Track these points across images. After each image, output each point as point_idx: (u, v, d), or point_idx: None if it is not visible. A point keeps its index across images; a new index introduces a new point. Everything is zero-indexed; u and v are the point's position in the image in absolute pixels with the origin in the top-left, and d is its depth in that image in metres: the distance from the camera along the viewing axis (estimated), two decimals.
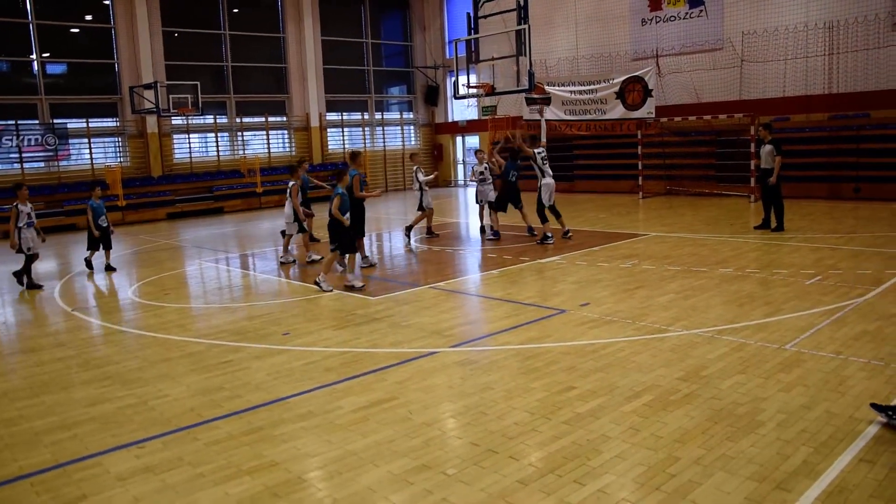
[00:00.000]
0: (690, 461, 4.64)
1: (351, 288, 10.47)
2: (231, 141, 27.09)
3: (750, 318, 8.01)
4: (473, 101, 28.48)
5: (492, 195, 15.32)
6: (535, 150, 14.05)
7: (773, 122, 19.54)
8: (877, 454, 4.65)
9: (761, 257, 11.56)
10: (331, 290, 10.48)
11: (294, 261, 13.44)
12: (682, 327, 7.76)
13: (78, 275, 13.22)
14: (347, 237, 10.48)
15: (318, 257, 13.07)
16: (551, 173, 14.19)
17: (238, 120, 27.01)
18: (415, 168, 15.27)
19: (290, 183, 13.35)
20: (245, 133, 27.33)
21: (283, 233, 13.88)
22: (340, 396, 6.13)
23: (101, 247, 13.30)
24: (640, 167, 22.57)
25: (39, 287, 12.09)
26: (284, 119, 28.37)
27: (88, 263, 13.34)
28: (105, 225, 13.23)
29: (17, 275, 12.32)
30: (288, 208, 13.28)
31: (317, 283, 10.61)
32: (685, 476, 4.45)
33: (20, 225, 11.99)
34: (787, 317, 7.97)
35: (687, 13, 22.90)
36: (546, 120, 25.05)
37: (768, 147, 13.95)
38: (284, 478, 4.70)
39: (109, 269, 13.30)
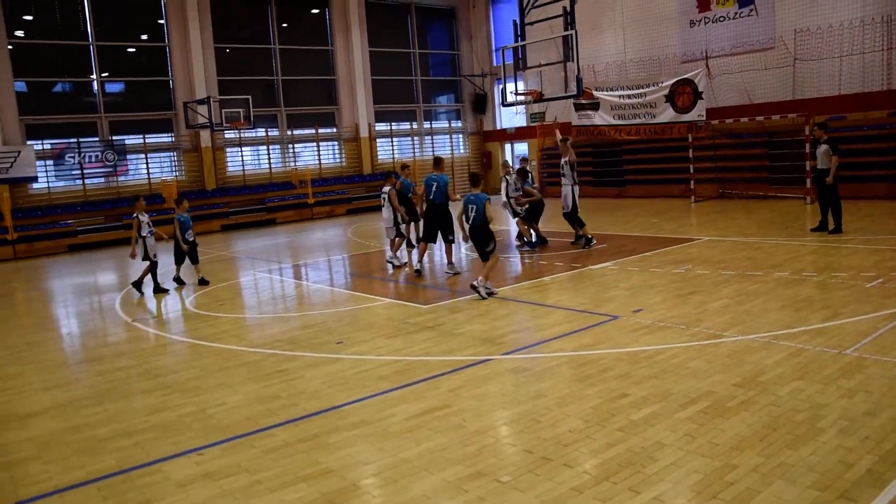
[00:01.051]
0: (748, 469, 4.56)
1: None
2: (282, 153, 27.54)
3: (808, 322, 7.84)
4: (522, 108, 28.46)
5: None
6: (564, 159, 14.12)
7: (828, 121, 19.13)
8: None
9: (818, 260, 11.30)
10: (492, 294, 10.38)
11: (403, 264, 13.71)
12: (737, 333, 7.64)
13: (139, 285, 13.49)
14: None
15: (399, 262, 13.62)
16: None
17: (289, 132, 27.43)
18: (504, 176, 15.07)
19: (386, 188, 13.89)
20: (296, 145, 27.74)
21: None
22: (394, 404, 6.18)
23: (189, 260, 13.14)
24: (691, 170, 22.25)
25: (166, 291, 12.64)
26: (334, 130, 28.72)
27: (178, 280, 13.21)
28: (192, 239, 13.04)
29: (136, 284, 12.89)
30: (386, 213, 13.82)
31: (473, 287, 10.31)
32: (743, 484, 4.38)
33: (144, 234, 12.53)
34: (846, 321, 7.78)
35: (737, 13, 22.53)
36: (595, 126, 24.99)
37: (824, 147, 13.64)
38: (339, 485, 4.76)
39: (203, 282, 13.14)
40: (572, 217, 14.36)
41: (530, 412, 5.79)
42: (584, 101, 24.35)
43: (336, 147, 28.93)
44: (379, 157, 29.69)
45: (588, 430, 5.34)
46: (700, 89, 22.15)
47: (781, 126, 20.96)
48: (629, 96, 23.94)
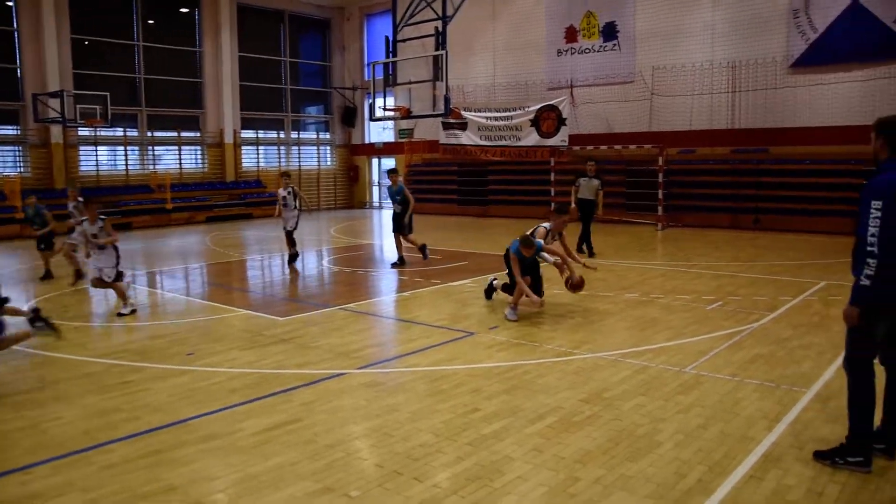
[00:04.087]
0: (591, 481, 4.73)
1: None
2: (141, 155, 26.35)
3: (652, 341, 8.24)
4: (390, 123, 28.59)
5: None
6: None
7: (679, 153, 20.32)
8: (765, 471, 4.85)
9: (665, 283, 11.93)
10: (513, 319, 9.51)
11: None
12: (587, 350, 7.92)
13: None
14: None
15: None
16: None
17: (149, 134, 26.32)
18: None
19: (283, 191, 14.52)
20: (156, 147, 26.64)
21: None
22: (244, 418, 6.00)
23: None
24: (552, 193, 23.06)
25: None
26: (198, 134, 27.80)
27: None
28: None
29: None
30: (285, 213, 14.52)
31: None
32: (585, 496, 4.53)
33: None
34: (687, 341, 8.24)
35: (601, 46, 23.61)
36: (462, 145, 25.41)
37: (596, 181, 15.36)
38: (182, 502, 4.56)
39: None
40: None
41: (382, 426, 5.77)
42: (451, 121, 24.74)
43: (199, 152, 28.00)
44: (243, 164, 28.97)
45: (439, 444, 5.37)
46: (564, 116, 23.03)
47: (637, 156, 22.09)
48: (496, 118, 24.56)
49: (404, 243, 14.35)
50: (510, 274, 9.75)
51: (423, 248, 14.03)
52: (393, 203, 14.34)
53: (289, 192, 14.48)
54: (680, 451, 5.18)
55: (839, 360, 5.02)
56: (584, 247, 15.13)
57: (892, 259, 4.54)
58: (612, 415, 5.92)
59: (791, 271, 12.97)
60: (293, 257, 14.56)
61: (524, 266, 9.48)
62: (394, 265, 14.12)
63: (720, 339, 8.28)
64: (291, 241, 14.61)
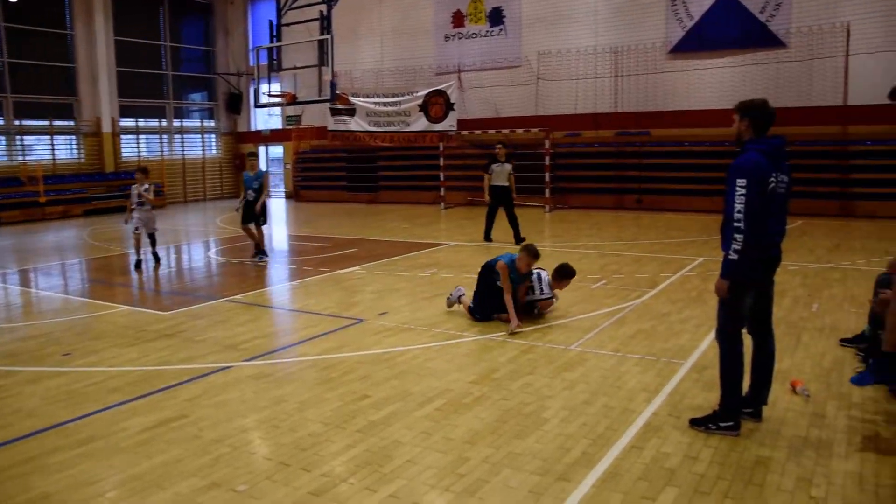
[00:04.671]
0: (479, 461, 4.78)
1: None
2: (8, 145, 24.77)
3: (539, 322, 8.40)
4: (277, 110, 28.03)
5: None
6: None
7: (565, 136, 20.76)
8: (646, 440, 5.05)
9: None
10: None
11: None
12: (476, 333, 8.00)
13: None
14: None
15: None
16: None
17: (17, 122, 24.79)
18: None
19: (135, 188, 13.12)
20: (25, 137, 25.14)
21: None
22: (126, 417, 5.75)
23: None
24: (442, 178, 23.17)
25: None
26: (72, 123, 26.40)
27: None
28: None
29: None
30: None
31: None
32: (474, 475, 4.57)
33: None
34: (573, 319, 8.45)
35: (488, 31, 23.82)
36: (351, 131, 25.20)
37: (508, 166, 14.80)
38: None
39: None
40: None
41: (270, 418, 5.65)
42: (339, 107, 24.48)
43: (74, 141, 26.60)
44: (123, 154, 27.72)
45: (327, 433, 5.31)
46: (452, 101, 23.12)
47: (525, 139, 22.44)
48: (384, 104, 24.43)
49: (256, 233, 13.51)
50: (483, 293, 8.52)
51: (260, 248, 13.34)
52: (247, 190, 13.35)
53: (146, 190, 13.03)
54: (565, 427, 5.30)
55: (714, 333, 5.25)
56: (513, 234, 14.60)
57: (756, 234, 4.78)
58: (501, 395, 6.00)
59: (671, 249, 13.50)
60: (140, 263, 13.03)
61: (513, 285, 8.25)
62: (256, 256, 13.42)
63: (604, 317, 8.53)
64: (153, 243, 13.23)
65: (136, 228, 13.03)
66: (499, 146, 15.04)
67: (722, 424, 5.10)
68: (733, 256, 4.81)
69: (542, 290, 8.47)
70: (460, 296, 8.82)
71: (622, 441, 5.03)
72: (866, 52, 18.02)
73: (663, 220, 18.16)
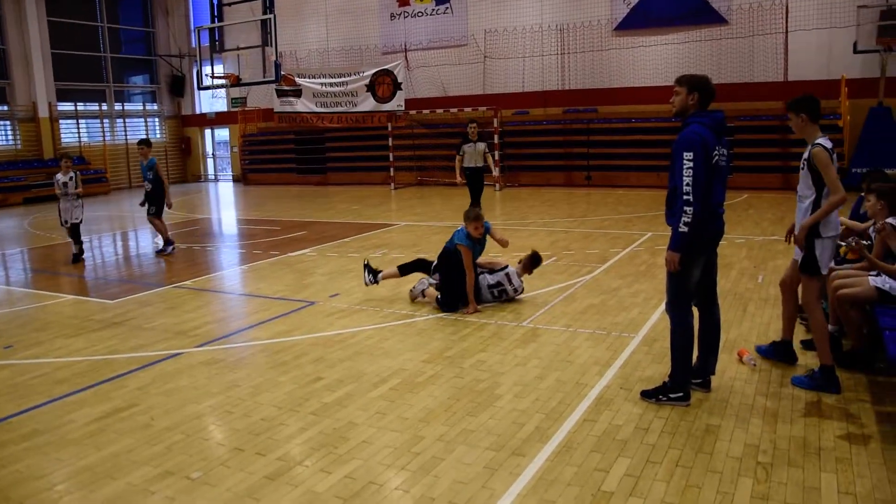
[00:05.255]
0: (434, 439, 4.79)
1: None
2: None
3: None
4: (222, 92, 27.51)
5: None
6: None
7: (514, 115, 20.77)
8: (598, 413, 5.11)
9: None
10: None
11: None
12: (428, 312, 8.01)
13: None
14: None
15: None
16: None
17: None
18: None
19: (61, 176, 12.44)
20: None
21: None
22: (73, 409, 5.63)
23: None
24: (391, 159, 23.06)
25: None
26: (6, 108, 25.53)
27: None
28: None
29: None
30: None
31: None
32: (429, 453, 4.59)
33: None
34: (524, 296, 8.46)
35: (434, 10, 23.68)
36: (298, 113, 24.89)
37: (482, 144, 14.21)
38: None
39: None
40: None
41: (223, 404, 5.59)
42: (285, 88, 24.16)
43: (9, 127, 25.75)
44: (63, 140, 26.94)
45: (281, 417, 5.27)
46: (399, 80, 22.97)
47: (473, 118, 22.36)
48: (331, 84, 24.19)
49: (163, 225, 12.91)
50: (449, 281, 8.22)
51: (168, 241, 12.71)
52: (144, 181, 12.72)
53: (70, 179, 12.34)
54: (518, 402, 5.34)
55: (664, 306, 5.33)
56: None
57: (704, 206, 4.85)
58: (454, 373, 6.02)
59: (620, 224, 13.66)
60: (77, 257, 12.33)
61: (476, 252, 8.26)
62: (161, 252, 12.74)
63: (555, 293, 8.60)
64: (76, 237, 12.35)
65: (65, 221, 12.34)
66: (472, 125, 14.29)
67: (672, 395, 5.19)
68: (683, 229, 4.86)
69: (514, 288, 8.33)
70: (423, 289, 8.56)
71: (575, 415, 5.09)
72: (804, 28, 18.39)
73: (613, 196, 18.36)
